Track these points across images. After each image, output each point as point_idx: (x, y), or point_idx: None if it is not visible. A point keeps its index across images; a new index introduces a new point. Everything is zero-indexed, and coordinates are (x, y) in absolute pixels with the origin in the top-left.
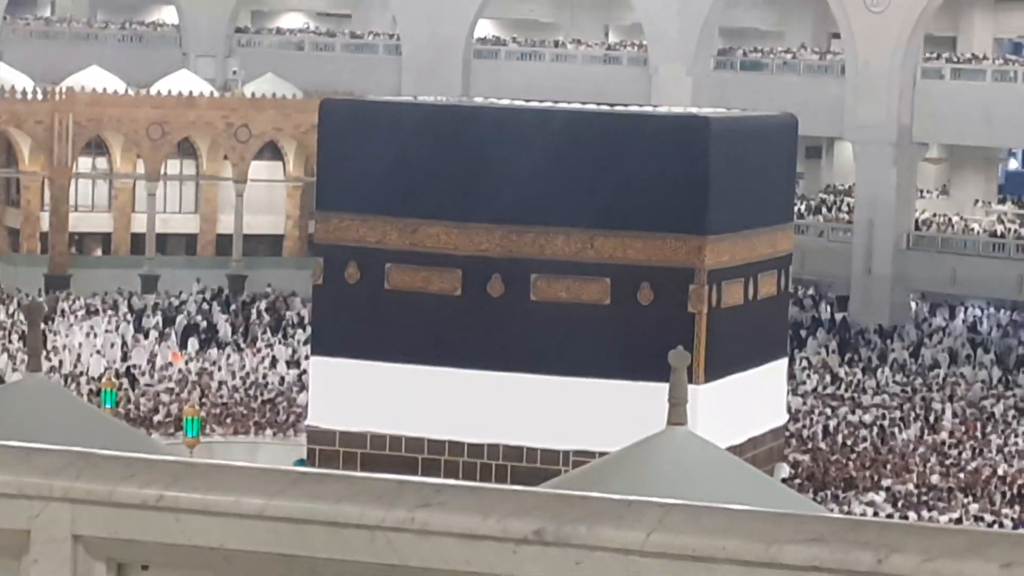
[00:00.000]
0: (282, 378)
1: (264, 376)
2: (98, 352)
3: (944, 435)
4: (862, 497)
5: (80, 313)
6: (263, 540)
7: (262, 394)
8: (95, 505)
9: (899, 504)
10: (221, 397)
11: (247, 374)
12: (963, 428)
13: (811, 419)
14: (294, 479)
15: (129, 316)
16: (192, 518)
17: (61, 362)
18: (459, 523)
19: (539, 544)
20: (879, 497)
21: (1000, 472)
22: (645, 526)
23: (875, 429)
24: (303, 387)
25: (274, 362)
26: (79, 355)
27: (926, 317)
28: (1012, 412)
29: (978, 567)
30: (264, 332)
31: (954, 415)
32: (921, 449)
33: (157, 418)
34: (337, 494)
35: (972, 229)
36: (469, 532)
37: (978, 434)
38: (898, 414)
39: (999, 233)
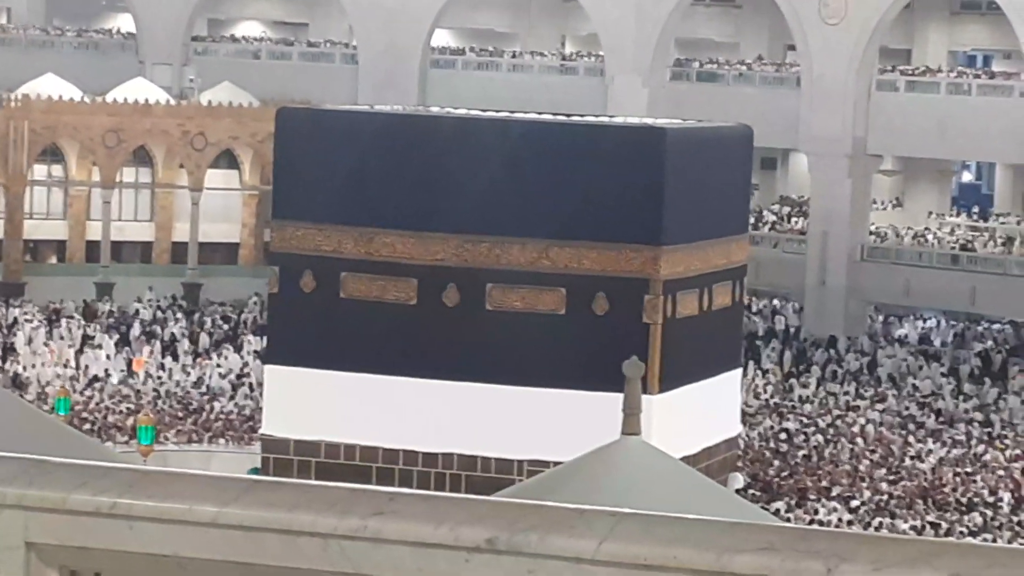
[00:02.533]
0: (208, 386)
1: (193, 384)
2: (52, 360)
3: (894, 446)
4: (818, 505)
5: (34, 321)
6: (217, 548)
7: (190, 402)
8: (48, 513)
9: (860, 511)
10: (168, 405)
11: (187, 382)
12: (914, 438)
13: (765, 429)
14: (247, 487)
15: (84, 323)
16: (145, 526)
17: (17, 370)
18: (412, 531)
19: (491, 552)
20: (836, 505)
21: (952, 480)
22: (597, 535)
23: (827, 439)
24: (223, 394)
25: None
26: (32, 363)
27: (886, 323)
28: (960, 422)
29: None
30: (224, 341)
31: (904, 426)
32: (875, 458)
33: (110, 426)
34: (290, 502)
35: (927, 240)
36: (422, 540)
37: (928, 442)
38: (850, 424)
39: (952, 245)
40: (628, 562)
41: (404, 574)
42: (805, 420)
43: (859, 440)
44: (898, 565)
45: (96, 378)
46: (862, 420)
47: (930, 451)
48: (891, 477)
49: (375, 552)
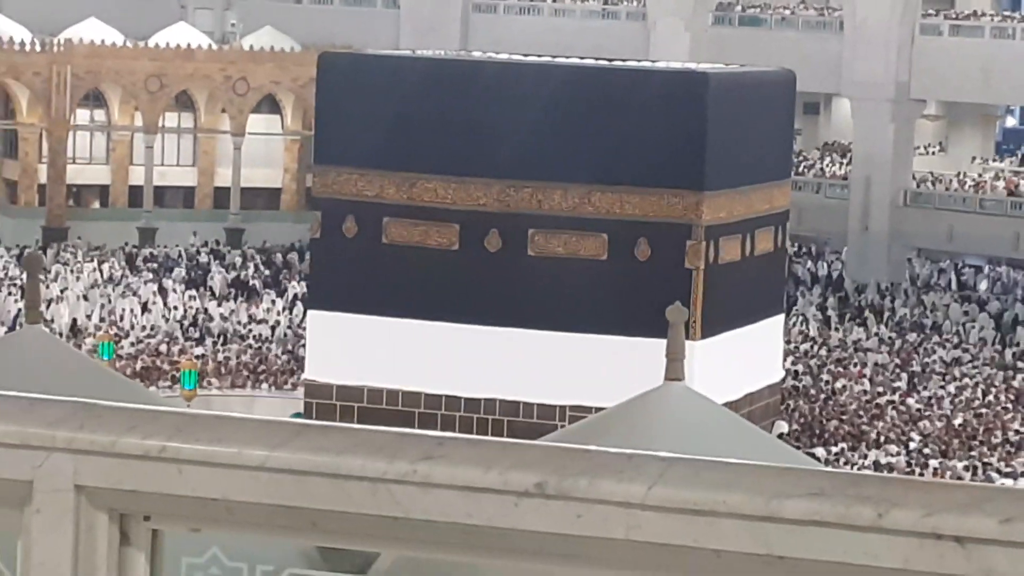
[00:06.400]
0: (255, 332)
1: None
2: (87, 303)
3: (937, 390)
4: (870, 451)
5: (77, 265)
6: (265, 492)
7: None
8: (97, 456)
9: (913, 452)
10: (217, 350)
11: (234, 327)
12: (958, 383)
13: (807, 375)
14: (296, 431)
15: (127, 268)
16: (194, 469)
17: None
18: (461, 476)
19: (540, 497)
20: (895, 448)
21: (999, 424)
22: (646, 480)
23: (869, 385)
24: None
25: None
26: (70, 308)
27: (925, 273)
28: (1007, 369)
29: (978, 522)
30: (266, 286)
31: (948, 371)
32: (917, 404)
33: (154, 370)
34: (339, 446)
35: (970, 185)
36: (471, 485)
37: (973, 387)
38: (892, 370)
39: (997, 190)
40: (677, 507)
41: (453, 518)
42: (847, 366)
43: (899, 387)
44: (949, 510)
45: (128, 321)
46: (915, 366)
47: (972, 397)
48: (937, 421)
49: (424, 497)
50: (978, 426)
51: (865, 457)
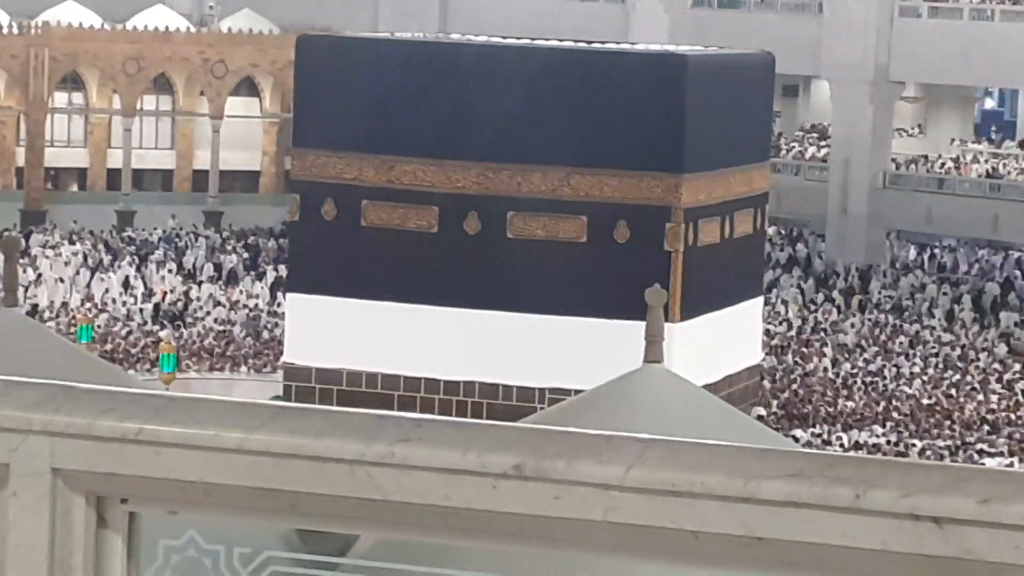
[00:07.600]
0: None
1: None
2: (73, 287)
3: (915, 369)
4: (849, 433)
5: (55, 248)
6: (243, 474)
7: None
8: (74, 438)
9: (899, 431)
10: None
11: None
12: (934, 364)
13: (785, 357)
14: (274, 413)
15: (105, 251)
16: (172, 452)
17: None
18: (439, 458)
19: (518, 479)
20: (874, 431)
21: (975, 404)
22: (625, 461)
23: (847, 367)
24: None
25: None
26: (51, 290)
27: (903, 255)
28: (984, 350)
29: (956, 503)
30: (246, 270)
31: (924, 350)
32: (896, 385)
33: (132, 354)
34: (317, 428)
35: (948, 168)
36: (449, 467)
37: (949, 369)
38: (871, 352)
39: (975, 172)
40: (655, 488)
41: (431, 500)
42: (823, 347)
43: (878, 368)
44: (927, 491)
45: (107, 304)
46: (880, 348)
47: (947, 377)
48: (917, 402)
49: (402, 478)
50: (950, 407)
51: (840, 439)
